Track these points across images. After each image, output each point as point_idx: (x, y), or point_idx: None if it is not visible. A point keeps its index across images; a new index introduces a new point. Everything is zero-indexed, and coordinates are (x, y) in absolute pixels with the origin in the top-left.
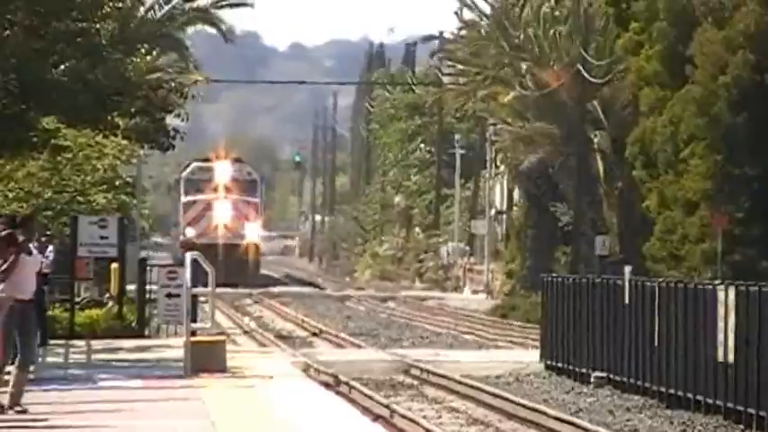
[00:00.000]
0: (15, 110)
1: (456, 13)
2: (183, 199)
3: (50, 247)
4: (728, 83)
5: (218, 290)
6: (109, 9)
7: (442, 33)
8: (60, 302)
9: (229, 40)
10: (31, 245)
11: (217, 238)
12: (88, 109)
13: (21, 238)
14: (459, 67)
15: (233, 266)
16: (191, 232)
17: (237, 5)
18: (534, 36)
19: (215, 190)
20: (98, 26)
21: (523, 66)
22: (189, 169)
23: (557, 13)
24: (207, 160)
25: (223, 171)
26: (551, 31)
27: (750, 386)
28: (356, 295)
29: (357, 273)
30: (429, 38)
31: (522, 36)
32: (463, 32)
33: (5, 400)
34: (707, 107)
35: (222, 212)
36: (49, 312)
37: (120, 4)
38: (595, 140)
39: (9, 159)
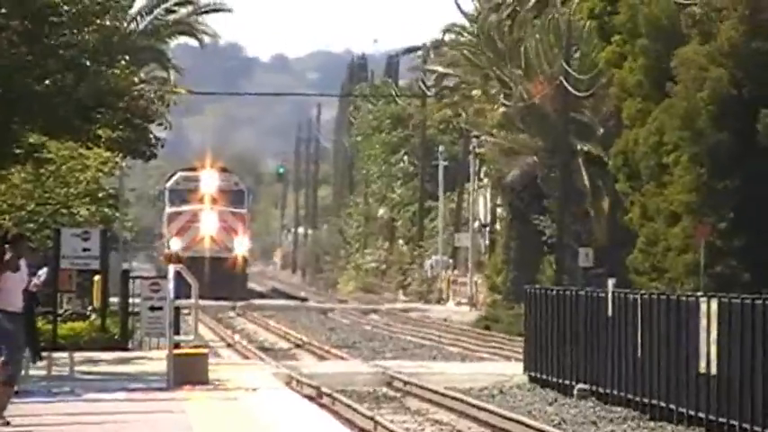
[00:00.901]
0: None
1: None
2: (168, 210)
3: (44, 269)
4: (706, 99)
5: (201, 302)
6: (96, 26)
7: (425, 45)
8: (43, 315)
9: (205, 44)
10: (21, 261)
11: (203, 250)
12: (70, 121)
13: (8, 255)
14: (444, 83)
15: (220, 280)
16: (176, 245)
17: (216, 11)
18: (521, 48)
19: (201, 201)
20: (80, 38)
21: (508, 77)
22: (174, 179)
23: (540, 23)
24: (192, 170)
25: (209, 181)
26: (535, 43)
27: (732, 398)
28: (339, 308)
29: (340, 285)
30: (411, 50)
31: (506, 48)
32: (445, 47)
33: None
34: (689, 121)
35: (209, 224)
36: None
37: (108, 22)
38: (579, 151)
39: None
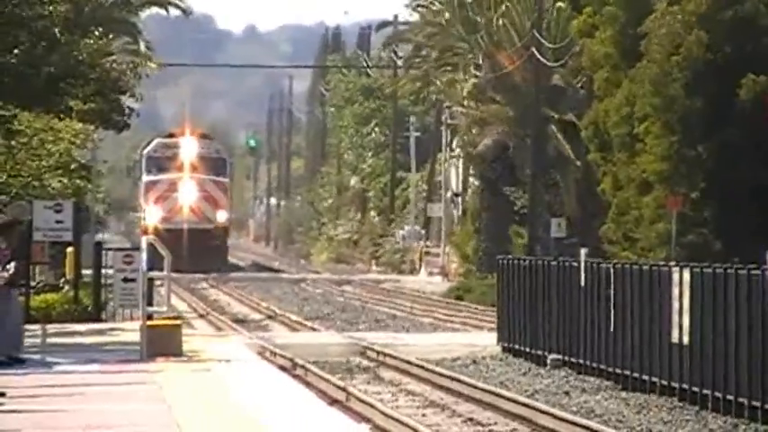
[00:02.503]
0: None
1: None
2: (145, 178)
3: (12, 264)
4: (681, 63)
5: (178, 275)
6: None
7: (396, 17)
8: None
9: (174, 15)
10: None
11: (182, 221)
12: (41, 93)
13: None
14: (416, 57)
15: (199, 253)
16: (153, 215)
17: None
18: (489, 18)
19: (180, 168)
20: (51, 10)
21: (479, 47)
22: (151, 146)
23: None
24: (171, 136)
25: (189, 148)
26: (504, 13)
27: (705, 367)
28: (312, 278)
29: (313, 256)
30: (384, 24)
31: (477, 18)
32: (417, 17)
33: None
34: (662, 87)
35: (188, 193)
36: None
37: None
38: (552, 119)
39: None
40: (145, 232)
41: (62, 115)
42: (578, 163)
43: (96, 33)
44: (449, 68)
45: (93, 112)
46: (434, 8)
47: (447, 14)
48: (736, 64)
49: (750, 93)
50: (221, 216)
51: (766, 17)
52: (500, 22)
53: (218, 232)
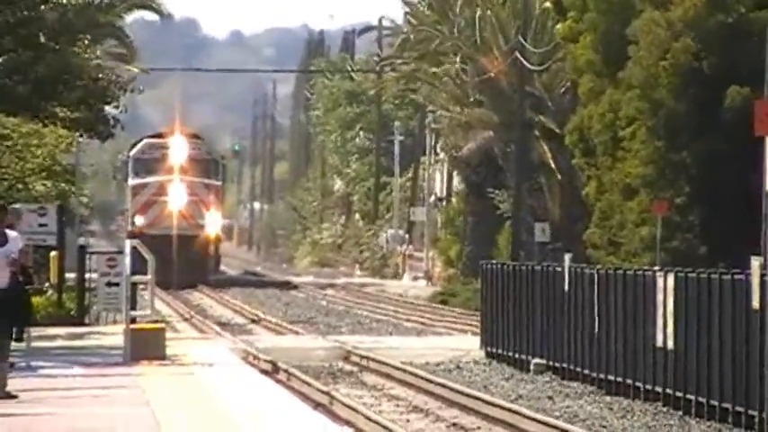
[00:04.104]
0: None
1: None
2: (132, 181)
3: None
4: (668, 69)
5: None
6: (53, 3)
7: (381, 20)
8: None
9: (165, 17)
10: (10, 233)
11: (171, 227)
12: (27, 100)
13: None
14: (400, 62)
15: (190, 262)
16: (140, 221)
17: None
18: (473, 21)
19: (169, 171)
20: (37, 15)
21: (463, 51)
22: (138, 147)
23: None
24: (159, 136)
25: (178, 149)
26: (490, 17)
27: (689, 372)
28: (295, 281)
29: (296, 260)
30: (367, 29)
31: (461, 22)
32: (402, 20)
33: None
34: (648, 91)
35: (178, 197)
36: None
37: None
38: (536, 124)
39: None
40: (132, 237)
41: (47, 122)
42: (553, 167)
43: (85, 42)
44: (434, 70)
45: (78, 119)
46: (421, 9)
47: (434, 16)
48: (722, 71)
49: (735, 101)
50: (213, 221)
51: (753, 24)
52: (488, 21)
53: (209, 238)
